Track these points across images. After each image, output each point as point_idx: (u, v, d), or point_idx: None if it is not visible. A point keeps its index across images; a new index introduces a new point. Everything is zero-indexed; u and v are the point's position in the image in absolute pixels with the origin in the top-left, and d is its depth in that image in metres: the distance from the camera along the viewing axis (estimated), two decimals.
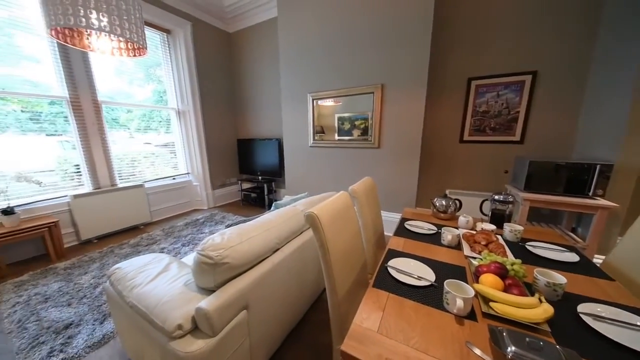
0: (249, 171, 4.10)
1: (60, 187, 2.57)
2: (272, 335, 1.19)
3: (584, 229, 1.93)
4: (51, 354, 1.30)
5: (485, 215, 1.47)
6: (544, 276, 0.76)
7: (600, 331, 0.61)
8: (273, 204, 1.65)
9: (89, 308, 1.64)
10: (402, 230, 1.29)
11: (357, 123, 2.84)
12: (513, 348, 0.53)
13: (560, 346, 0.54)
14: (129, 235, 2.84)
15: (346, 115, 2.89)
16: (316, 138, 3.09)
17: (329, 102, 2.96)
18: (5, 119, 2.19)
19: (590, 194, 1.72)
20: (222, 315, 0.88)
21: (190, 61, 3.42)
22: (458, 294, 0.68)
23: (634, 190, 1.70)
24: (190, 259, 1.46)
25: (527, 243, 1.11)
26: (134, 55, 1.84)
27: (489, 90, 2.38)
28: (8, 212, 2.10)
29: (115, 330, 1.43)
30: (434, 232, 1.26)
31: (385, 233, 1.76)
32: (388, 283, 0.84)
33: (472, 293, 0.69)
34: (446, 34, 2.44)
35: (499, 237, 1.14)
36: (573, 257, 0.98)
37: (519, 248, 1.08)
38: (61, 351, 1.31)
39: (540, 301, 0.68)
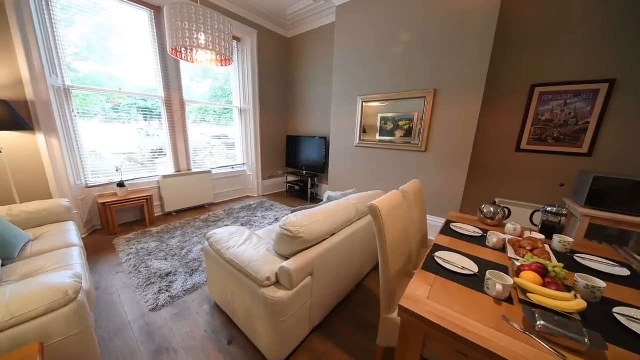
0: (294, 165, 4.47)
1: (146, 168, 3.21)
2: (325, 302, 1.45)
3: None
4: (160, 292, 1.76)
5: (535, 225, 1.50)
6: (583, 280, 0.85)
7: (630, 327, 0.71)
8: (327, 196, 1.90)
9: (180, 264, 2.12)
10: (447, 231, 1.42)
11: (400, 124, 2.88)
12: (542, 322, 0.68)
13: (586, 329, 0.67)
14: (198, 212, 3.41)
15: (390, 115, 2.94)
16: (362, 138, 3.27)
17: (374, 103, 3.07)
18: (94, 109, 2.65)
19: None
20: (297, 276, 1.16)
21: (254, 65, 3.88)
22: (498, 280, 0.83)
23: None
24: (260, 233, 1.80)
25: (576, 255, 1.16)
26: (222, 65, 2.25)
27: (555, 98, 2.26)
28: (121, 184, 2.76)
29: (206, 280, 1.86)
30: (480, 235, 1.37)
31: (428, 237, 1.88)
32: (435, 268, 1.01)
33: (511, 282, 0.83)
34: (509, 38, 2.38)
35: (546, 245, 1.21)
36: (624, 272, 1.02)
37: (566, 258, 1.14)
38: (167, 291, 1.77)
39: (576, 297, 0.79)
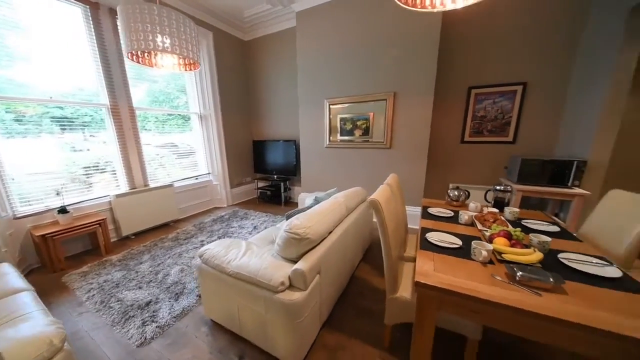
0: (263, 171, 4.38)
1: (91, 188, 2.77)
2: (330, 297, 1.53)
3: (565, 214, 2.35)
4: (145, 324, 1.58)
5: (489, 202, 1.85)
6: (536, 238, 1.13)
7: (572, 266, 0.98)
8: (315, 197, 1.97)
9: (159, 290, 1.91)
10: (427, 215, 1.65)
11: (358, 123, 3.16)
12: (520, 273, 0.89)
13: (548, 272, 0.90)
14: (163, 232, 3.08)
15: (348, 116, 3.20)
16: (331, 139, 3.42)
17: (339, 105, 3.26)
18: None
19: (569, 184, 2.13)
20: (310, 275, 1.21)
21: (212, 68, 3.68)
22: (482, 248, 1.03)
23: (603, 180, 2.12)
24: (257, 237, 1.77)
25: (522, 221, 1.49)
26: (188, 69, 2.12)
27: (487, 98, 2.77)
28: (64, 211, 2.33)
29: (196, 301, 1.74)
30: (452, 215, 1.62)
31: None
32: (430, 247, 1.19)
33: (491, 247, 1.04)
34: (451, 50, 2.81)
35: (503, 217, 1.51)
36: (555, 229, 1.36)
37: (517, 224, 1.45)
38: (152, 321, 1.60)
39: (535, 251, 1.04)
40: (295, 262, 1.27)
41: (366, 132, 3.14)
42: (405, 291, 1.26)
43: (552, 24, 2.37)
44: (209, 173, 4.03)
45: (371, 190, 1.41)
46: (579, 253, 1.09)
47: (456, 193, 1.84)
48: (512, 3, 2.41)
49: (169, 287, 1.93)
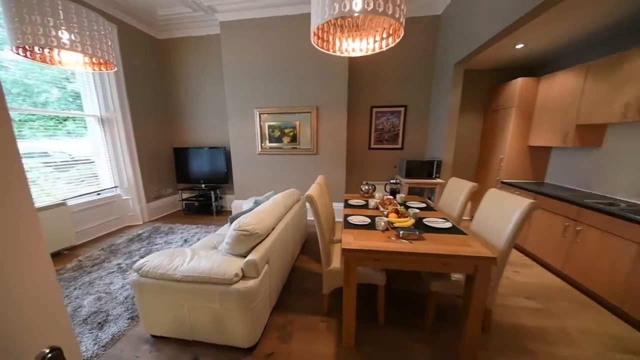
0: (188, 180, 4.07)
1: None
2: (277, 285, 1.76)
3: (434, 196, 3.39)
4: None
5: (387, 192, 2.52)
6: (412, 211, 1.73)
7: (430, 225, 1.60)
8: (254, 201, 2.14)
9: (73, 325, 1.63)
10: (348, 205, 2.12)
11: (286, 131, 3.52)
12: (402, 232, 1.41)
13: (416, 229, 1.46)
14: (55, 263, 2.48)
15: (276, 123, 3.50)
16: (263, 146, 3.61)
17: (266, 115, 3.50)
18: None
19: (434, 177, 3.12)
20: (261, 264, 1.42)
21: (117, 65, 3.20)
22: (382, 221, 1.53)
23: (450, 172, 3.21)
24: (197, 245, 1.78)
25: (407, 202, 2.16)
26: (99, 69, 1.93)
27: (383, 115, 3.63)
28: None
29: (128, 324, 1.60)
30: (364, 203, 2.16)
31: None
32: (350, 226, 1.62)
33: (387, 220, 1.56)
34: (358, 76, 3.53)
35: (394, 201, 2.14)
36: (424, 205, 2.07)
37: (403, 204, 2.11)
38: None
39: (410, 219, 1.62)
40: (245, 256, 1.44)
41: (294, 139, 3.51)
42: (336, 263, 1.64)
43: (417, 67, 3.40)
44: (115, 187, 3.44)
45: (304, 191, 1.74)
46: (434, 217, 1.76)
47: (367, 187, 2.42)
48: (395, 52, 3.30)
49: (85, 319, 1.68)
